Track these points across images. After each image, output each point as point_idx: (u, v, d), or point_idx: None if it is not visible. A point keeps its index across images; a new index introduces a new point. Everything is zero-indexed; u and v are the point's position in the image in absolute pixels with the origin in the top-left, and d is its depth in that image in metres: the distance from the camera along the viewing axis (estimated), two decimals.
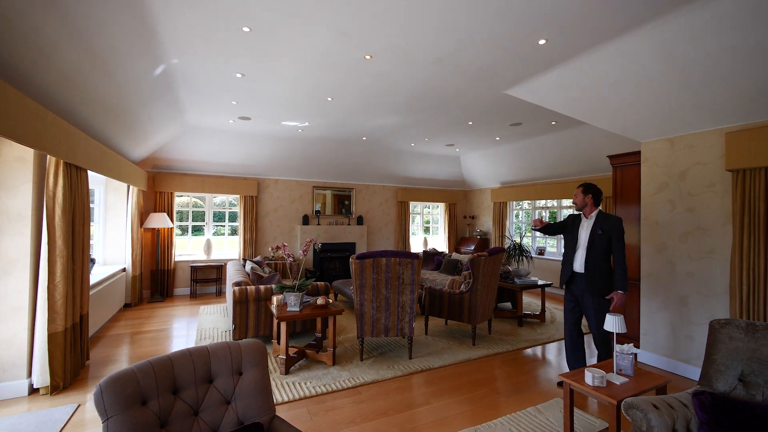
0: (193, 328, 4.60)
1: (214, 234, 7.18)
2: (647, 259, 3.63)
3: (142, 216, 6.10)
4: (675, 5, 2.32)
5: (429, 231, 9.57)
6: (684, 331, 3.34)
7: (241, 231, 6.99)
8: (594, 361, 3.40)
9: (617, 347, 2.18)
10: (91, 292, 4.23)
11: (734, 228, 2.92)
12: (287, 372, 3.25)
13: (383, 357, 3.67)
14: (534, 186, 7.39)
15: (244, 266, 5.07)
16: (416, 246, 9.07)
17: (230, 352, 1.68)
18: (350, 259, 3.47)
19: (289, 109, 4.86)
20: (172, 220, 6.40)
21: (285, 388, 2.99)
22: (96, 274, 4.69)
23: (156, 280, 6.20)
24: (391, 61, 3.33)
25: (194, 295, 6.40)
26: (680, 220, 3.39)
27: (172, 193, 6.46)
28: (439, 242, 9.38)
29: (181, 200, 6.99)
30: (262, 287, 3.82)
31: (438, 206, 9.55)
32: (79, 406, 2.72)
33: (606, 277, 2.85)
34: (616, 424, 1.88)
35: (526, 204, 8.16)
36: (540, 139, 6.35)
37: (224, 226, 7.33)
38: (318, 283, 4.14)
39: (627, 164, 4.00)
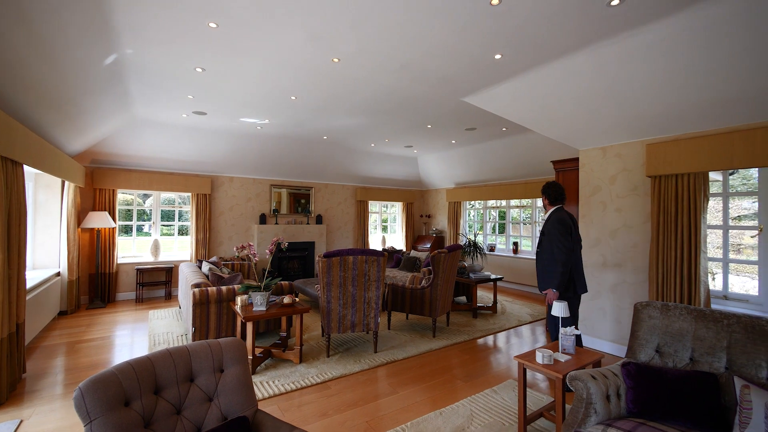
0: (142, 334, 4.34)
1: (163, 234, 6.76)
2: (584, 254, 4.10)
3: (80, 215, 5.58)
4: (611, 32, 2.69)
5: (387, 230, 9.79)
6: (613, 315, 3.84)
7: (193, 231, 6.65)
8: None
9: (561, 330, 2.49)
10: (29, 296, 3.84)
11: (652, 226, 3.43)
12: (254, 372, 3.23)
13: (349, 352, 3.77)
14: (485, 187, 7.89)
15: (200, 267, 4.87)
16: (374, 244, 9.24)
17: (211, 351, 1.69)
18: (317, 257, 3.52)
19: (249, 106, 4.75)
20: (114, 219, 5.93)
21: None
22: (29, 279, 4.24)
23: (96, 284, 5.71)
24: (359, 64, 3.43)
25: (140, 300, 5.99)
26: (610, 219, 3.89)
27: (114, 190, 5.98)
28: (397, 240, 9.64)
29: (126, 198, 6.49)
30: (224, 288, 3.73)
31: (396, 205, 9.80)
32: (21, 421, 2.50)
33: (543, 273, 3.10)
34: (561, 394, 2.16)
35: (477, 204, 8.67)
36: (492, 144, 6.81)
37: (173, 225, 6.92)
38: (282, 282, 4.13)
39: (568, 169, 4.48)
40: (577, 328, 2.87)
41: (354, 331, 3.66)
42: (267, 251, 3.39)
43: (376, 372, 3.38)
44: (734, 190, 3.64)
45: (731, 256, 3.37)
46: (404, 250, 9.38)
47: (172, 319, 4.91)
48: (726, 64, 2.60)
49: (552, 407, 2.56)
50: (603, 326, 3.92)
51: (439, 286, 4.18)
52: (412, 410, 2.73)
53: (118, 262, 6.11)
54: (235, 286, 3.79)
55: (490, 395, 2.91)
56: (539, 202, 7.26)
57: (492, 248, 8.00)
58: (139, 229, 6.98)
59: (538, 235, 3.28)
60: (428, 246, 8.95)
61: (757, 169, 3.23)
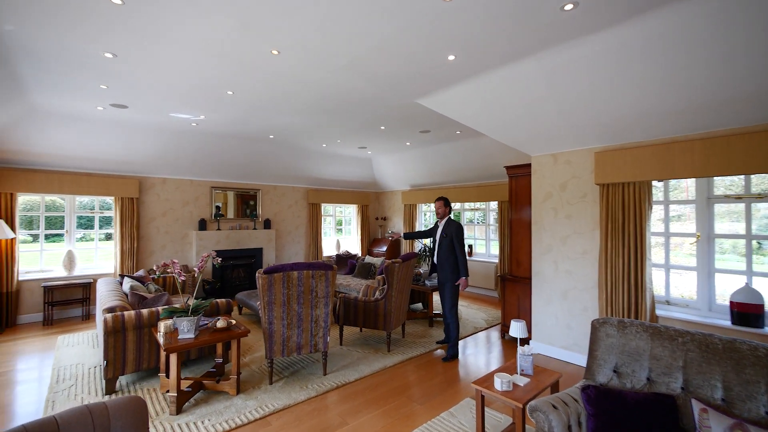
0: (47, 366, 3.64)
1: (80, 240, 5.86)
2: (536, 260, 4.10)
3: None
4: (561, 39, 2.60)
5: (341, 232, 9.44)
6: (565, 321, 3.86)
7: (117, 240, 5.84)
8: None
9: (520, 350, 2.36)
10: None
11: (601, 232, 3.46)
12: (180, 411, 2.77)
13: (295, 376, 3.41)
14: (440, 190, 7.84)
15: (121, 284, 4.22)
16: (329, 248, 8.85)
17: (93, 421, 1.29)
18: (257, 274, 3.13)
19: (178, 99, 4.19)
20: (13, 228, 5.01)
21: None
22: None
23: None
24: (301, 59, 3.08)
25: (49, 322, 5.12)
26: (561, 225, 3.90)
27: (13, 194, 5.05)
28: (352, 244, 9.33)
29: (32, 201, 5.52)
30: (144, 311, 3.19)
31: (350, 207, 9.48)
32: None
33: (454, 267, 3.77)
34: (521, 425, 2.01)
35: (434, 206, 8.61)
36: (446, 146, 6.74)
37: (93, 233, 6.03)
38: (218, 300, 3.65)
39: (520, 174, 4.46)
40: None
41: (300, 354, 3.31)
42: (197, 269, 2.93)
43: (325, 399, 3.07)
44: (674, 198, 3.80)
45: (672, 262, 3.50)
46: (360, 254, 9.10)
47: (86, 345, 4.20)
48: (669, 76, 2.62)
49: (512, 430, 2.42)
50: (555, 332, 3.93)
51: (393, 298, 3.96)
52: None
53: (19, 278, 5.17)
54: (160, 309, 3.27)
55: (448, 419, 2.72)
56: (493, 204, 7.34)
57: None
58: (49, 237, 6.01)
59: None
60: (384, 249, 8.74)
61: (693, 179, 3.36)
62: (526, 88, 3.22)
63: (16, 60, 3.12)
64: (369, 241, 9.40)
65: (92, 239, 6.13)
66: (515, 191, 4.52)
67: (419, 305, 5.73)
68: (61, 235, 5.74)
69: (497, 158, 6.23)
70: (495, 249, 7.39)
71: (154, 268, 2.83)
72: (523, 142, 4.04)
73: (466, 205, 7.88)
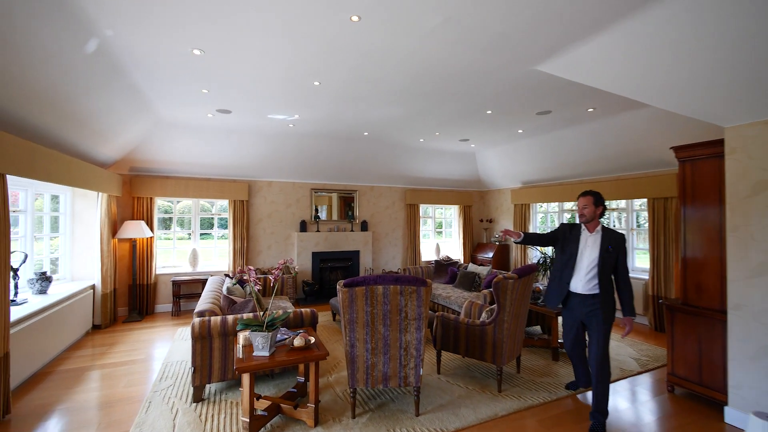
0: (159, 359, 3.87)
1: (202, 238, 6.47)
2: (737, 285, 2.69)
3: (116, 225, 5.42)
4: None
5: (441, 235, 8.68)
6: None
7: (230, 239, 6.26)
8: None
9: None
10: (41, 316, 3.58)
11: None
12: None
13: (382, 411, 2.83)
14: (562, 186, 6.43)
15: (224, 283, 4.32)
16: (427, 253, 8.20)
17: None
18: (337, 287, 2.66)
19: (270, 97, 4.07)
20: (152, 228, 5.71)
21: None
22: (52, 294, 4.04)
23: (134, 296, 5.52)
24: (384, 23, 2.49)
25: (176, 314, 5.69)
26: None
27: (151, 198, 5.77)
28: (453, 248, 8.49)
29: (167, 205, 6.32)
30: (230, 318, 3.04)
31: (451, 208, 8.65)
32: None
33: (612, 299, 2.66)
34: None
35: (552, 206, 7.19)
36: (571, 131, 5.41)
37: (213, 233, 6.61)
38: (302, 310, 3.34)
39: (699, 158, 3.07)
40: None
41: (387, 386, 2.72)
42: (272, 278, 2.60)
43: None
44: None
45: None
46: (461, 260, 8.21)
47: None
48: None
49: None
50: None
51: (505, 324, 3.07)
52: None
53: (157, 272, 5.90)
54: (244, 315, 3.08)
55: None
56: (638, 202, 5.65)
57: None
58: (183, 237, 6.81)
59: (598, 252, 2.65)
60: (489, 256, 7.68)
61: None
62: (725, 22, 1.99)
63: (126, 69, 3.29)
64: (472, 246, 8.42)
65: (212, 237, 6.73)
66: (691, 182, 3.13)
67: (537, 328, 4.62)
68: (188, 235, 6.42)
69: (649, 140, 4.68)
70: (642, 261, 5.68)
71: (225, 277, 2.59)
72: (713, 108, 2.69)
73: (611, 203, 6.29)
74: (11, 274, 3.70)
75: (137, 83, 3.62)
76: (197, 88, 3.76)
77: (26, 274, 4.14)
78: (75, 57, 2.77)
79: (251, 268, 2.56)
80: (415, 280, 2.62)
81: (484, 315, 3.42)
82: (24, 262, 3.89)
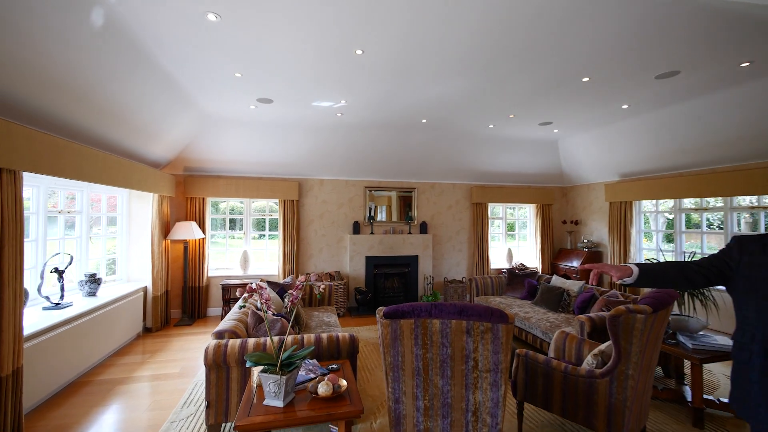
0: (191, 377, 3.49)
1: (259, 238, 6.21)
2: None
3: (168, 226, 5.33)
4: None
5: (514, 239, 7.47)
6: None
7: (280, 242, 5.90)
8: None
9: None
10: (85, 319, 3.44)
11: None
12: None
13: None
14: (681, 178, 4.92)
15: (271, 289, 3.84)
16: (497, 260, 7.08)
17: None
18: (377, 317, 1.91)
19: (309, 78, 3.48)
20: (203, 229, 5.56)
21: None
22: (101, 297, 3.95)
23: (185, 299, 5.39)
24: None
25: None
26: None
27: (204, 198, 5.62)
28: (529, 254, 7.24)
29: (222, 205, 6.19)
30: (250, 342, 2.45)
31: (526, 208, 7.40)
32: None
33: None
34: None
35: (663, 204, 5.63)
36: (705, 101, 3.99)
37: (265, 235, 6.32)
38: (339, 335, 2.63)
39: None
40: None
41: None
42: (289, 302, 1.94)
43: None
44: None
45: None
46: (539, 269, 6.94)
47: None
48: None
49: None
50: None
51: (630, 380, 2.03)
52: None
53: (209, 275, 5.74)
54: (268, 340, 2.48)
55: None
56: None
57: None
58: (236, 239, 6.65)
59: None
60: (574, 264, 6.32)
61: None
62: None
63: (152, 52, 2.92)
64: (552, 253, 7.09)
65: (264, 238, 6.46)
66: None
67: (658, 370, 3.37)
68: (240, 236, 6.20)
69: None
70: None
71: (238, 293, 1.98)
72: None
73: (736, 200, 4.66)
74: (56, 276, 3.63)
75: (166, 68, 3.26)
76: (227, 69, 3.30)
77: (77, 276, 4.11)
78: (90, 38, 2.41)
79: (263, 287, 1.92)
80: (489, 314, 1.75)
81: (589, 358, 2.39)
82: (70, 263, 3.80)
